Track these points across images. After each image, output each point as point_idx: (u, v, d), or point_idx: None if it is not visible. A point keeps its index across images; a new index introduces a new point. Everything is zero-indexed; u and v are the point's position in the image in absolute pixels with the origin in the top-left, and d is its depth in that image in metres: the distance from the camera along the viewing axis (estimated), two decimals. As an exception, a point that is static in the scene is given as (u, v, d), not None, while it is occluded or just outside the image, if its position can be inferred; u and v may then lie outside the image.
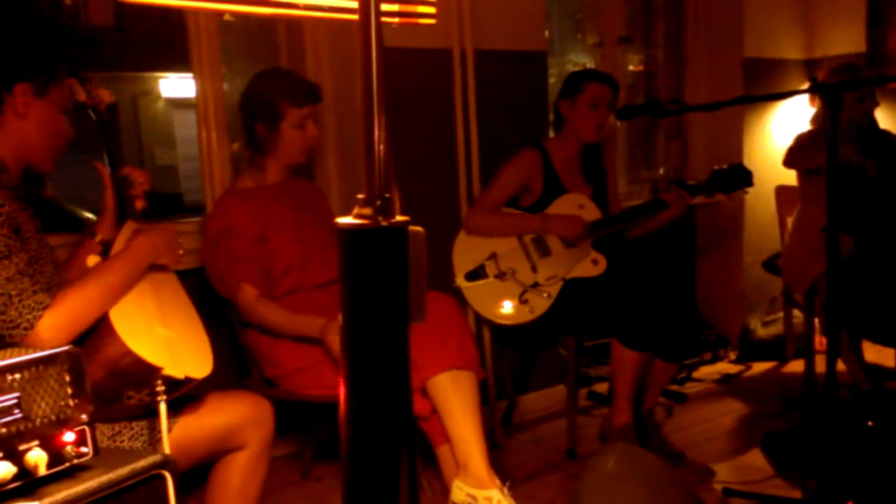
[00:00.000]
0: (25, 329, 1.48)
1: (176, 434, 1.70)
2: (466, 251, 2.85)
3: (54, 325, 1.50)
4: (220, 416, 1.81)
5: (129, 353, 1.52)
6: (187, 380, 1.60)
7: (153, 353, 1.55)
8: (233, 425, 1.83)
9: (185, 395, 1.73)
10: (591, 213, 2.86)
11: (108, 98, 1.92)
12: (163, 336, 1.64)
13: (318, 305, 2.33)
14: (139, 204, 1.91)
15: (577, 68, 4.55)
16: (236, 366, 2.61)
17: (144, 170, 1.96)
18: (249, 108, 2.36)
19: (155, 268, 1.76)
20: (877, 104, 3.15)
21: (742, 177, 2.69)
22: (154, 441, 1.67)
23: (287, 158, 2.39)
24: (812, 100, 4.01)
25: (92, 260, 1.73)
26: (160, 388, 1.51)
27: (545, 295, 2.77)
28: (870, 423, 2.38)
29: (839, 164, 1.98)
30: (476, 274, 2.82)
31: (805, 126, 3.37)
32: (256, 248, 2.30)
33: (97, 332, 1.55)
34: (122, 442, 1.64)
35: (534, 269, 2.81)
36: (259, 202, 2.36)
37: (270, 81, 2.35)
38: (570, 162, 2.93)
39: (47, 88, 1.66)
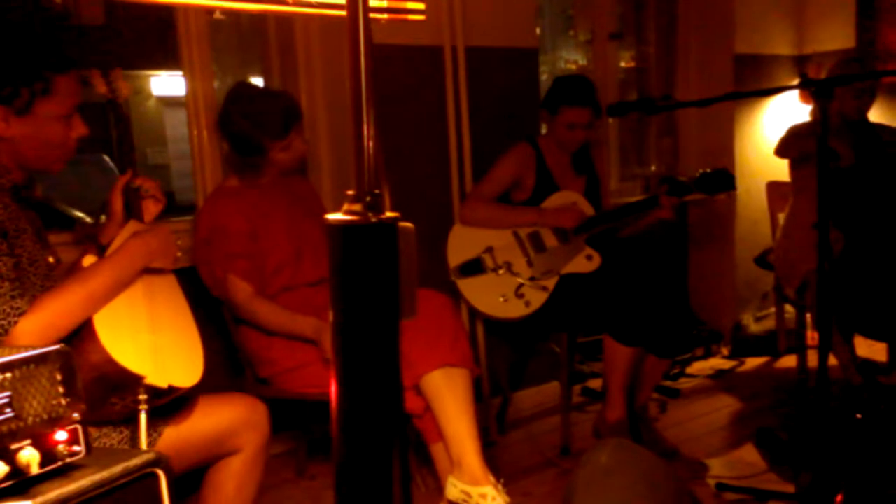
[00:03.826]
0: None
1: (169, 438, 1.68)
2: (462, 244, 2.86)
3: (31, 330, 1.47)
4: (214, 419, 1.79)
5: (110, 360, 1.50)
6: (171, 389, 1.58)
7: (136, 362, 1.52)
8: (227, 429, 1.80)
9: (179, 398, 1.72)
10: (584, 209, 2.88)
11: (127, 91, 1.88)
12: (149, 343, 1.61)
13: (312, 304, 2.33)
14: (151, 213, 1.88)
15: (568, 65, 4.56)
16: (230, 364, 2.61)
17: (156, 181, 1.91)
18: (230, 141, 2.32)
19: (151, 270, 1.73)
20: (873, 101, 3.15)
21: (725, 180, 2.72)
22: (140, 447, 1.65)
23: (276, 171, 2.38)
24: (802, 95, 4.02)
25: (88, 260, 1.70)
26: (142, 397, 1.49)
27: (541, 289, 2.78)
28: (858, 416, 2.39)
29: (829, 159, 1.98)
30: (472, 267, 2.83)
31: (798, 119, 3.38)
32: (249, 245, 2.30)
33: (80, 337, 1.53)
34: (109, 444, 1.63)
35: (530, 263, 2.82)
36: (250, 199, 2.35)
37: (245, 115, 2.26)
38: (562, 158, 2.95)
39: (31, 106, 1.57)
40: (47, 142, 1.63)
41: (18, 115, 1.57)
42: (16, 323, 1.47)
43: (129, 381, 1.52)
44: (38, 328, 1.48)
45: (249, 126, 2.26)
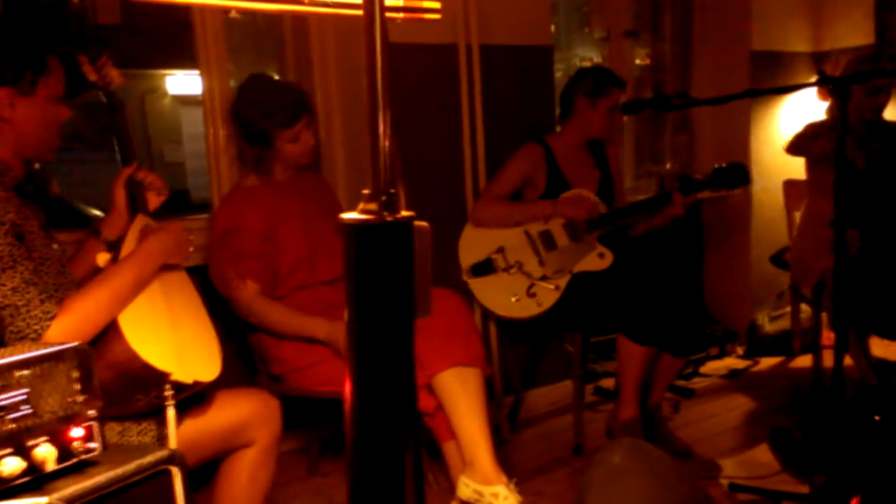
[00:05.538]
0: (33, 339, 1.49)
1: (184, 432, 1.69)
2: (473, 245, 2.86)
3: (62, 333, 1.50)
4: (228, 413, 1.82)
5: (137, 358, 1.52)
6: (196, 384, 1.61)
7: (162, 359, 1.54)
8: (241, 422, 1.83)
9: (197, 392, 1.74)
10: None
11: (118, 78, 1.90)
12: (172, 340, 1.64)
13: (325, 302, 2.33)
14: (153, 205, 1.90)
15: (584, 63, 4.54)
16: (244, 363, 2.62)
17: (158, 174, 1.94)
18: (239, 132, 2.33)
19: (165, 267, 1.75)
20: (888, 99, 3.12)
21: (740, 175, 2.70)
22: (162, 439, 1.68)
23: (287, 166, 2.39)
24: (820, 93, 3.99)
25: (102, 258, 1.72)
26: (168, 393, 1.51)
27: (553, 287, 2.77)
28: (877, 418, 2.37)
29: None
30: (484, 268, 2.83)
31: (814, 117, 3.35)
32: (263, 247, 2.30)
33: (106, 336, 1.55)
34: (130, 437, 1.65)
35: (541, 262, 2.81)
36: (267, 199, 2.35)
37: (255, 103, 2.28)
38: (575, 156, 2.94)
39: (35, 86, 1.62)
40: (47, 124, 1.67)
41: (24, 97, 1.62)
42: (48, 327, 1.49)
43: (155, 379, 1.53)
44: (68, 331, 1.50)
45: (258, 114, 2.27)
